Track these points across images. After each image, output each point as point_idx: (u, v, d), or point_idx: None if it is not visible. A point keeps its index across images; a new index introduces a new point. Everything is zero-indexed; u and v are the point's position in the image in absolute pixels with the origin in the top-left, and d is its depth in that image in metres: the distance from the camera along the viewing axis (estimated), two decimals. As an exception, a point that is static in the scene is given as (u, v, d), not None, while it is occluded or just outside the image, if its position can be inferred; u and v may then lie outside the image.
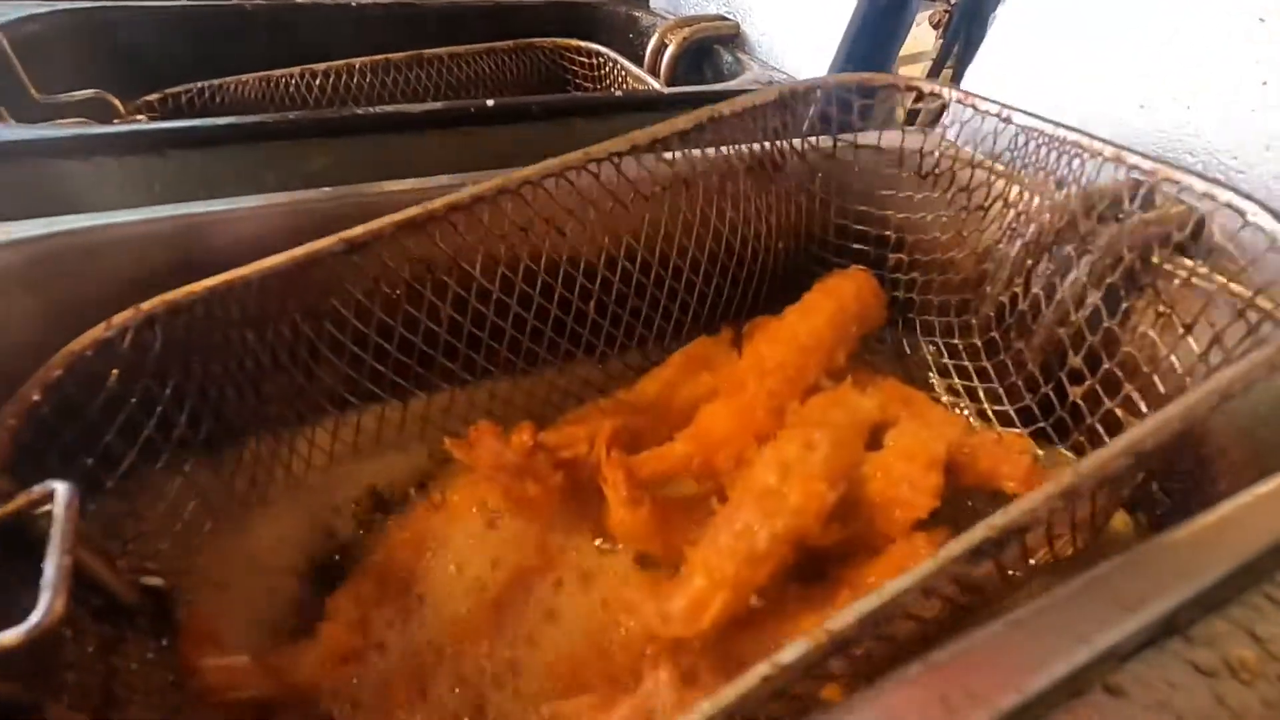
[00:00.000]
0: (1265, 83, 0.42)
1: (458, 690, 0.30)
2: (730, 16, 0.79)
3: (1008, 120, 0.45)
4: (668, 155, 0.42)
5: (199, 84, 0.72)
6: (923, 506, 0.34)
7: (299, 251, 0.33)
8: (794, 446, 0.34)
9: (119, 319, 0.28)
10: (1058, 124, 0.43)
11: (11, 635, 0.19)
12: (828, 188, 0.51)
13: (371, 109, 0.52)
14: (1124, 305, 0.41)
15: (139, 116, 0.64)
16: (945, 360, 0.50)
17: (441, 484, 0.38)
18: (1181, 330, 0.38)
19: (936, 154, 0.49)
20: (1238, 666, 0.22)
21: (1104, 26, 0.50)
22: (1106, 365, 0.40)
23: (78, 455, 0.28)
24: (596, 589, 0.34)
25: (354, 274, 0.35)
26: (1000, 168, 0.48)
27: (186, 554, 0.34)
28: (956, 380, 0.49)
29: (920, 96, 0.48)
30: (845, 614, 0.20)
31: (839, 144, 0.50)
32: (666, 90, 0.65)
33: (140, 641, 0.29)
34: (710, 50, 0.78)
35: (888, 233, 0.50)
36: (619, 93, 0.76)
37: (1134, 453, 0.24)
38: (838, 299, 0.45)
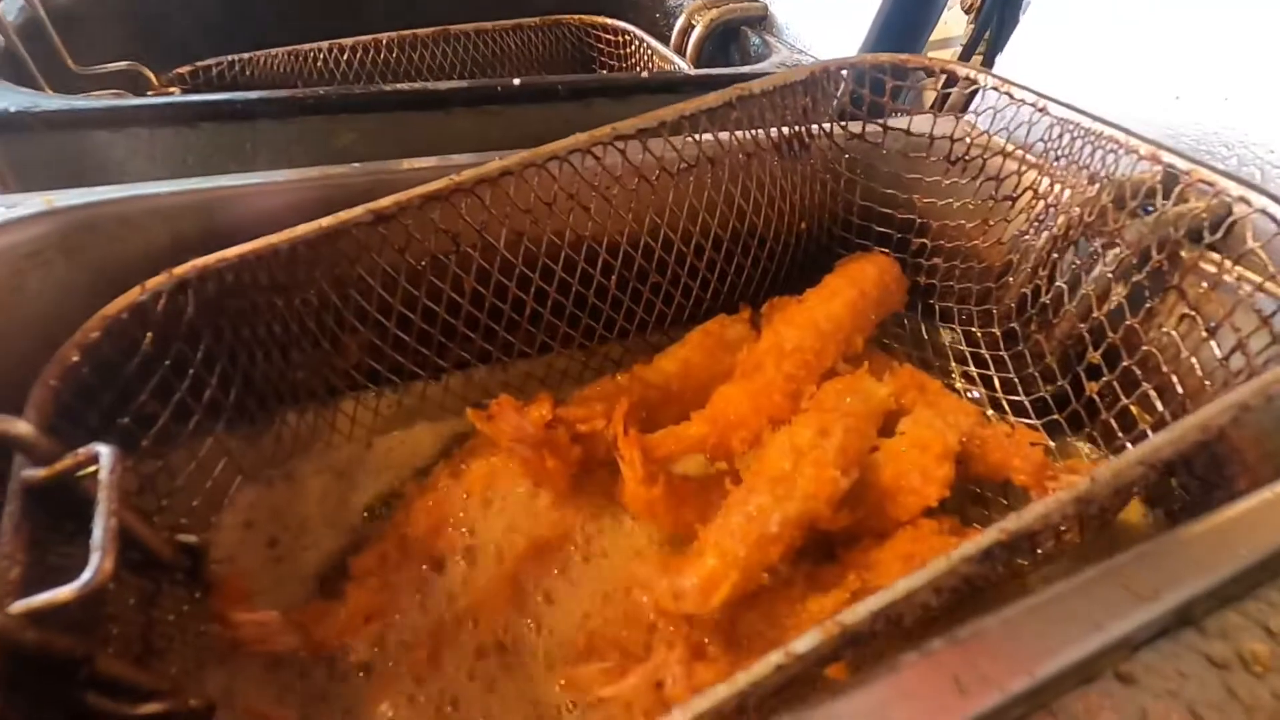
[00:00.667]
0: (1307, 76, 0.41)
1: (475, 653, 0.31)
2: (759, -2, 0.78)
3: (1043, 110, 0.44)
4: (695, 135, 0.42)
5: (230, 57, 0.72)
6: (932, 496, 0.34)
7: (326, 221, 0.33)
8: (809, 432, 0.34)
9: (153, 283, 0.29)
10: (1095, 117, 0.42)
11: (65, 592, 0.21)
12: (854, 169, 0.50)
13: (398, 86, 0.52)
14: (1149, 302, 0.40)
15: (172, 89, 0.65)
16: (963, 347, 0.50)
17: (464, 455, 0.38)
18: (1205, 333, 0.38)
19: (968, 141, 0.48)
20: (1250, 659, 0.22)
21: (1140, 16, 0.49)
22: (1126, 362, 0.40)
23: (115, 415, 0.28)
24: (611, 561, 0.35)
25: (381, 245, 0.36)
26: (1031, 158, 0.47)
27: (216, 511, 0.36)
28: (974, 368, 0.49)
29: (953, 80, 0.48)
30: (859, 609, 0.20)
31: (868, 127, 0.49)
32: (693, 71, 0.64)
33: (176, 595, 0.30)
34: (738, 32, 0.78)
35: (912, 217, 0.50)
36: (645, 73, 0.76)
37: (1151, 462, 0.24)
38: (858, 284, 0.45)
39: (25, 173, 0.45)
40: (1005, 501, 0.41)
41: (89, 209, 0.33)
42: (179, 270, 0.30)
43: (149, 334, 0.29)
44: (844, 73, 0.48)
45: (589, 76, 0.78)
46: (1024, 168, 0.47)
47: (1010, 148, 0.47)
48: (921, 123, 0.50)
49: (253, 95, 0.49)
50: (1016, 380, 0.46)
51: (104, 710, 0.23)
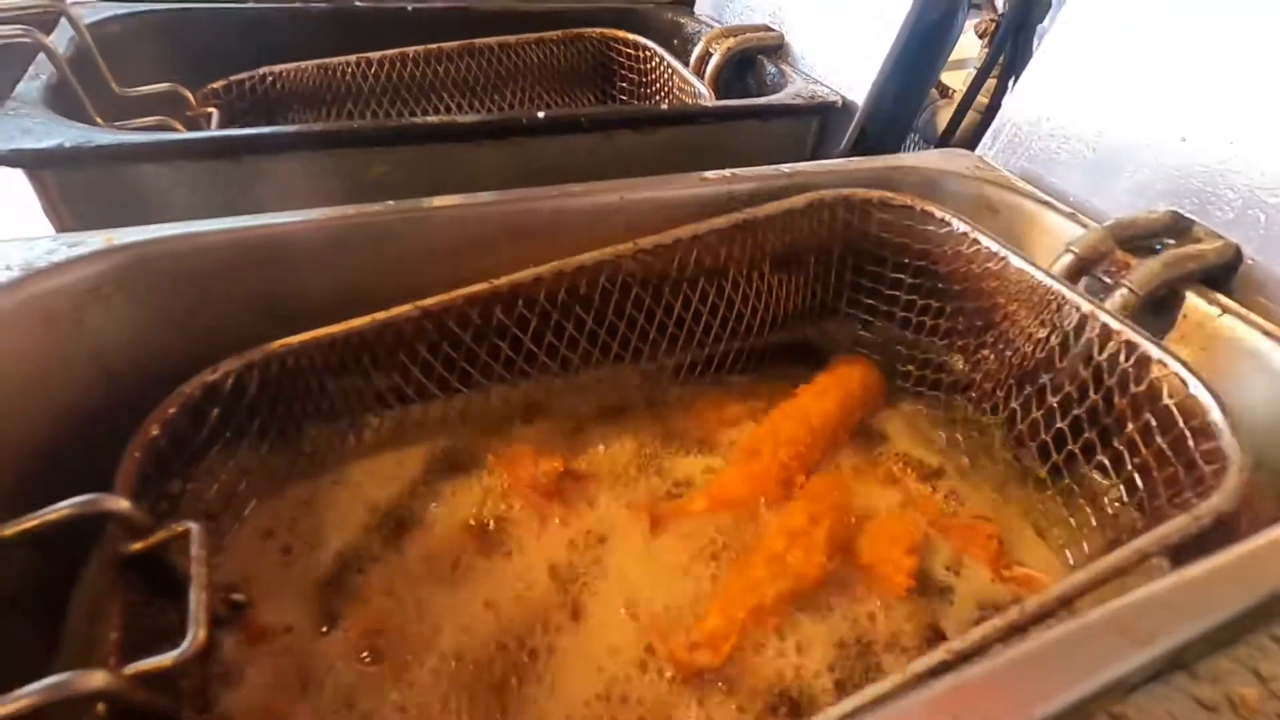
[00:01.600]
0: (1312, 124, 0.42)
1: (495, 672, 0.33)
2: (775, 28, 0.80)
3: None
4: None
5: (260, 71, 0.75)
6: (900, 585, 0.39)
7: (380, 315, 0.38)
8: (801, 520, 0.40)
9: (224, 366, 0.33)
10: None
11: (168, 659, 0.24)
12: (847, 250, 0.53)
13: (428, 120, 0.54)
14: (1142, 348, 0.41)
15: (209, 109, 0.67)
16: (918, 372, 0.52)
17: (483, 481, 0.41)
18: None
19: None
20: (1239, 703, 0.23)
21: (1151, 55, 0.50)
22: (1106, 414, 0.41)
23: (185, 479, 0.31)
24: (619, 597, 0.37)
25: (422, 334, 0.40)
26: (1045, 197, 0.49)
27: (239, 521, 0.38)
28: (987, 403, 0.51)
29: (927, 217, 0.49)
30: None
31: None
32: (712, 104, 0.66)
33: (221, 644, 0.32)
34: (754, 60, 0.79)
35: (907, 277, 0.51)
36: (665, 104, 0.78)
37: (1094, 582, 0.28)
38: (846, 387, 0.49)
39: (75, 204, 0.48)
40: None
41: (145, 246, 0.35)
42: (247, 355, 0.33)
43: (216, 410, 0.32)
44: (842, 203, 0.50)
45: (611, 109, 0.80)
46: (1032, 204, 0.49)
47: (1022, 186, 0.49)
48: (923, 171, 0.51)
49: (291, 130, 0.51)
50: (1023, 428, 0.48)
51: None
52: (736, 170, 0.50)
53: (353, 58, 0.79)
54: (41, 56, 0.56)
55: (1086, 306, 0.40)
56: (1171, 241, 0.46)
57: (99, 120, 0.57)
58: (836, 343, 0.54)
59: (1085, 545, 0.41)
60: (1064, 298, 0.41)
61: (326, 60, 0.78)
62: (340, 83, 0.79)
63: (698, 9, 0.95)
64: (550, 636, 0.35)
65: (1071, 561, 0.41)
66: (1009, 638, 0.27)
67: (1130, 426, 0.39)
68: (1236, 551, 0.27)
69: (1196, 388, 0.35)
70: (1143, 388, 0.38)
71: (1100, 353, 0.39)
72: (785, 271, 0.50)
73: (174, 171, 0.47)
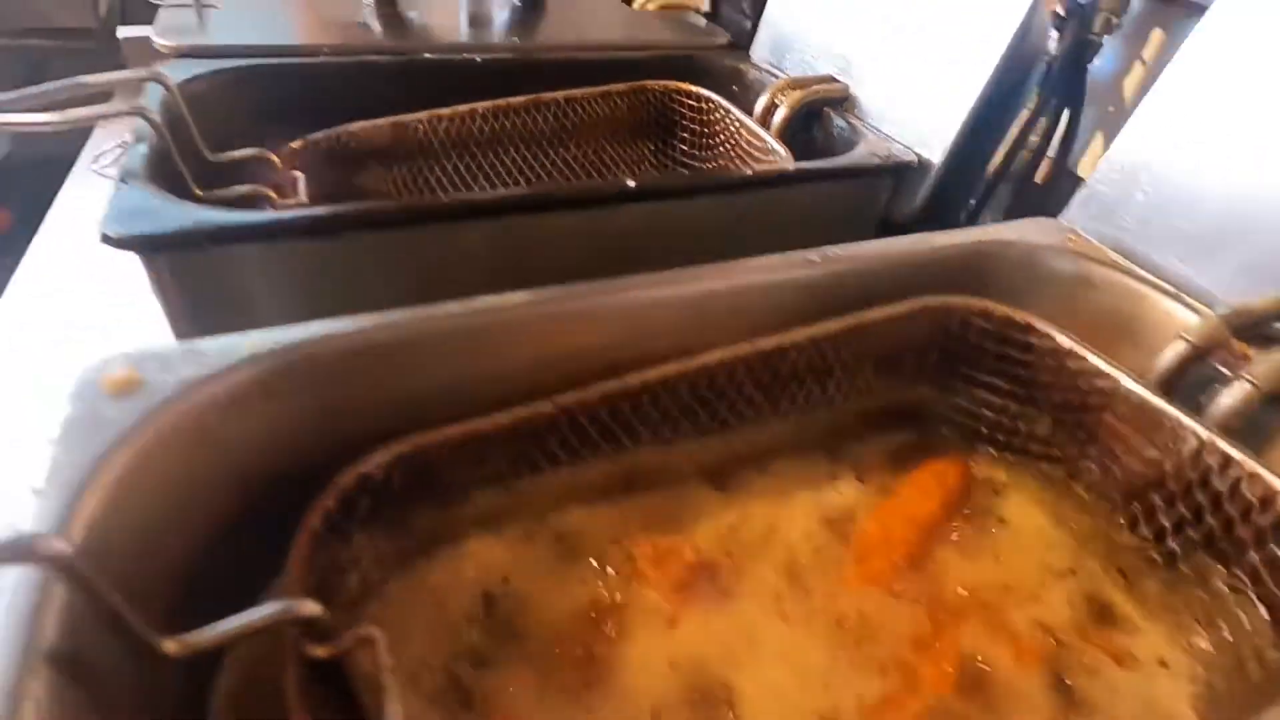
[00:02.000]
0: None
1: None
2: (840, 78, 0.80)
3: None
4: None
5: (337, 130, 0.76)
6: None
7: (518, 411, 0.40)
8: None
9: (376, 458, 0.33)
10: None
11: None
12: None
13: (518, 191, 0.55)
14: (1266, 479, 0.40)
15: (295, 172, 0.68)
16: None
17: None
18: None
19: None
20: None
21: (1262, 119, 0.49)
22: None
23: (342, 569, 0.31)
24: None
25: (552, 427, 0.42)
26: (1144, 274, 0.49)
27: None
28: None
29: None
30: None
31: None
32: (793, 167, 0.66)
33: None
34: (820, 112, 0.80)
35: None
36: (732, 157, 0.78)
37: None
38: (945, 489, 0.49)
39: (184, 280, 0.49)
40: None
41: (284, 353, 0.36)
42: (396, 446, 0.33)
43: (368, 499, 0.32)
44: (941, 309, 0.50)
45: (698, 176, 0.80)
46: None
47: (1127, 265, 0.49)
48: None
49: (391, 205, 0.52)
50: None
51: None
52: (832, 249, 0.50)
53: (424, 115, 0.80)
54: (140, 123, 0.57)
55: (1205, 434, 0.40)
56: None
57: (198, 191, 0.58)
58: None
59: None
60: (1180, 423, 0.41)
61: (400, 117, 0.79)
62: (413, 139, 0.80)
63: (755, 53, 0.95)
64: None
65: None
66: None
67: (1253, 554, 0.38)
68: None
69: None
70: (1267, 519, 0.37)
71: (1219, 481, 0.39)
72: (887, 369, 0.50)
73: (275, 250, 0.48)
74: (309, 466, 0.36)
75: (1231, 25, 0.51)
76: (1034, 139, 0.95)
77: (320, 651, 0.27)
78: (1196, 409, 0.43)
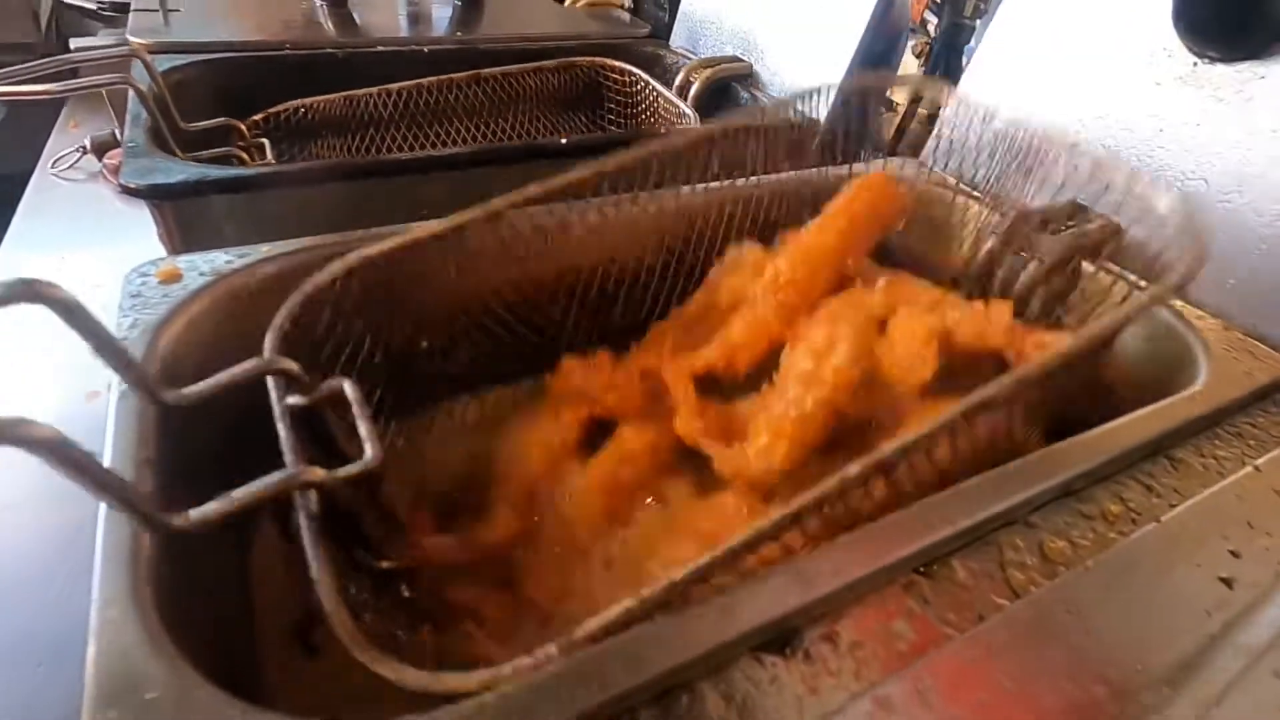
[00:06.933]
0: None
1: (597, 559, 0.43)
2: (744, 58, 0.93)
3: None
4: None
5: (295, 103, 0.84)
6: (925, 373, 0.44)
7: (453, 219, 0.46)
8: (822, 338, 0.45)
9: (333, 267, 0.40)
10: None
11: (358, 466, 0.31)
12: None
13: (473, 149, 0.65)
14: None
15: (261, 139, 0.76)
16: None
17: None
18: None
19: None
20: (1108, 514, 0.36)
21: (1050, 76, 0.64)
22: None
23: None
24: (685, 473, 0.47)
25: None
26: (975, 193, 0.63)
27: None
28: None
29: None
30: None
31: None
32: (704, 125, 0.78)
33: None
34: (728, 87, 0.92)
35: None
36: (665, 128, 0.90)
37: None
38: (849, 215, 0.53)
39: (186, 227, 0.57)
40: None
41: (294, 255, 0.45)
42: (350, 259, 0.41)
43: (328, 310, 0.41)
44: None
45: (626, 133, 0.91)
46: (968, 201, 0.62)
47: (960, 185, 0.62)
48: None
49: (366, 160, 0.61)
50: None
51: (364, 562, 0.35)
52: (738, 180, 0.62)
53: (374, 89, 0.89)
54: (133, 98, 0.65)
55: None
56: (1072, 223, 0.59)
57: (179, 153, 0.66)
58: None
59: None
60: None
61: (352, 92, 0.88)
62: (364, 111, 0.89)
63: (674, 41, 1.07)
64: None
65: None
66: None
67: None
68: (1107, 426, 0.40)
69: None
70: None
71: None
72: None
73: (269, 197, 0.57)
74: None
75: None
76: (922, 112, 1.11)
77: (299, 400, 0.34)
78: (1007, 287, 0.57)
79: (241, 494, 0.28)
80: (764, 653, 0.28)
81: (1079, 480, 0.36)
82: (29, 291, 0.24)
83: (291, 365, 0.35)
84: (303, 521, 0.29)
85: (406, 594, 0.37)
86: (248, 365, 0.34)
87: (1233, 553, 0.34)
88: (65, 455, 0.22)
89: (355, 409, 0.34)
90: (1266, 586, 0.32)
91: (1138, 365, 0.51)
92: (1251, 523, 0.35)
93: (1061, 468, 0.36)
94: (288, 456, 0.31)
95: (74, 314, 0.25)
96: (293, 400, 0.34)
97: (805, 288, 0.51)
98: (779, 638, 0.28)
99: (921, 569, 0.32)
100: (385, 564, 0.36)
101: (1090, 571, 0.32)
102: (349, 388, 0.35)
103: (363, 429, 0.34)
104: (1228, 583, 0.32)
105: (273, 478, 0.29)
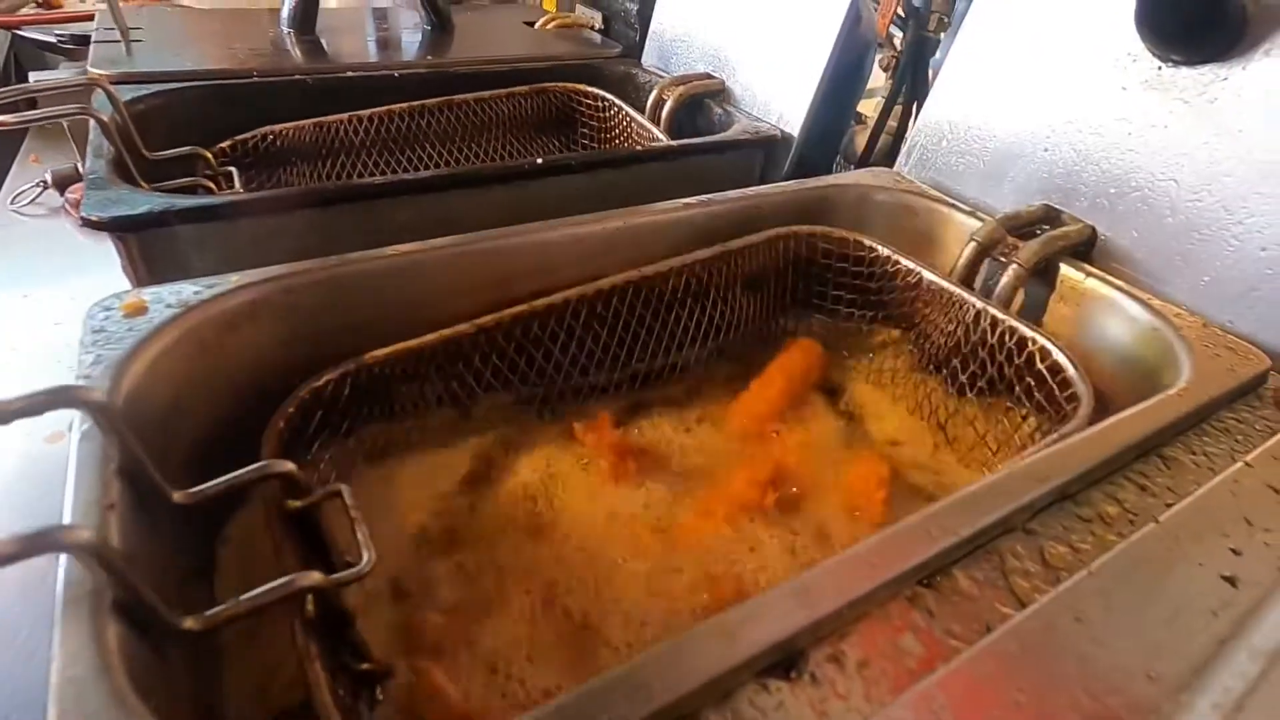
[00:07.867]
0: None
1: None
2: (716, 74, 0.93)
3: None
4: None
5: (263, 130, 0.83)
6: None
7: (446, 332, 0.49)
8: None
9: (339, 368, 0.43)
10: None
11: (353, 572, 0.32)
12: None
13: (449, 171, 0.64)
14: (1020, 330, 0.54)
15: (228, 168, 0.74)
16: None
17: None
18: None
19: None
20: (1105, 516, 0.35)
21: (1021, 87, 0.65)
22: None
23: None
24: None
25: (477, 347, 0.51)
26: (950, 200, 0.63)
27: None
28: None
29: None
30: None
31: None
32: (675, 143, 0.78)
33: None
34: (702, 103, 0.92)
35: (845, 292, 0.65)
36: (639, 147, 0.90)
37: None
38: (787, 374, 0.60)
39: (150, 258, 0.55)
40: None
41: (267, 283, 0.44)
42: (354, 363, 0.43)
43: (320, 411, 0.42)
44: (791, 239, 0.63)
45: (597, 153, 0.91)
46: (944, 208, 0.62)
47: (933, 193, 0.62)
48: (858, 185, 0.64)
49: (338, 185, 0.60)
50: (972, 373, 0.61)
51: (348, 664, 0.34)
52: (710, 195, 0.62)
53: (345, 115, 0.88)
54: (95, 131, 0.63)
55: (980, 305, 0.54)
56: (1046, 227, 0.60)
57: (143, 184, 0.64)
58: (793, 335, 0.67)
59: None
60: (964, 299, 0.55)
61: (322, 119, 0.86)
62: (335, 138, 0.88)
63: (645, 60, 1.08)
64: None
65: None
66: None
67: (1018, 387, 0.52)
68: (1098, 427, 0.40)
69: (1057, 354, 0.49)
70: (1023, 358, 0.51)
71: (993, 336, 0.53)
72: (753, 290, 0.62)
73: (237, 227, 0.56)
74: (286, 381, 0.44)
75: (1001, 5, 0.67)
76: (892, 124, 1.13)
77: (296, 503, 0.35)
78: (989, 292, 0.57)
79: (248, 599, 0.29)
80: (769, 677, 0.27)
81: (1074, 484, 0.36)
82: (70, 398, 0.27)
83: (290, 467, 0.35)
84: (297, 626, 0.30)
85: (380, 697, 0.36)
86: (250, 469, 0.34)
87: (1233, 550, 0.33)
88: (105, 560, 0.24)
89: (351, 514, 0.35)
90: (1270, 584, 0.31)
91: (1121, 365, 0.51)
92: (1249, 519, 0.35)
93: (1056, 471, 0.36)
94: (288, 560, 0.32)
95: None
96: (292, 504, 0.35)
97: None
98: (784, 660, 0.27)
99: (924, 581, 0.31)
100: (365, 665, 0.35)
101: (1093, 576, 0.32)
102: (345, 492, 0.36)
103: (360, 534, 0.34)
104: (1231, 581, 0.32)
105: (277, 584, 0.29)
